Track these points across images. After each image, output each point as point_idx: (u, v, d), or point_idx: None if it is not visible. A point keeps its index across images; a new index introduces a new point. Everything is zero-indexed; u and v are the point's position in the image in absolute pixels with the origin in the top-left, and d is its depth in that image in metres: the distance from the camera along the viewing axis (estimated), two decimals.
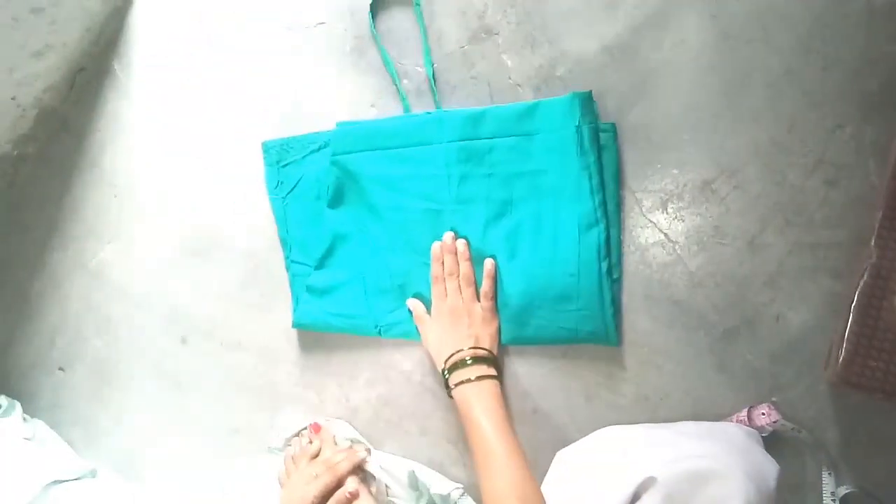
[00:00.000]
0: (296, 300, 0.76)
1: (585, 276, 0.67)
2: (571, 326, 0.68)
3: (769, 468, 0.57)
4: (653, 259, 0.70)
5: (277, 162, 0.76)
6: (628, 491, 0.53)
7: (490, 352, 0.67)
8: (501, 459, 0.58)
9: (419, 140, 0.71)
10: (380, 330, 0.74)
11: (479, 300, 0.70)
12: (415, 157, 0.71)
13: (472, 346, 0.66)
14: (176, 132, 0.81)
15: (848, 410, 0.66)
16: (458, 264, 0.70)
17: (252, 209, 0.78)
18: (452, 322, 0.68)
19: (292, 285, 0.76)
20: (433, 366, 0.73)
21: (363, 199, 0.73)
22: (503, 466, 0.58)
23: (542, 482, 0.66)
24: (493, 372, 0.65)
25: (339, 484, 0.67)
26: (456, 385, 0.64)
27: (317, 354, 0.76)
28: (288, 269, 0.76)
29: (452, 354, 0.66)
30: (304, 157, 0.75)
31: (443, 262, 0.70)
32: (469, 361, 0.64)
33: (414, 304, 0.72)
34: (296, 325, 0.76)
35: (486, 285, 0.69)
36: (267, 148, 0.77)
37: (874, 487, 0.65)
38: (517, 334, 0.70)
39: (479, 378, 0.64)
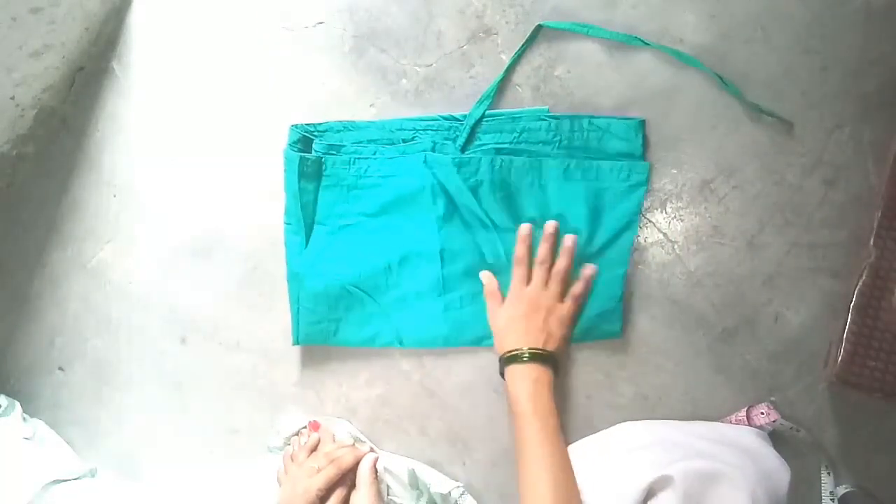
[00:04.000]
0: (297, 315, 0.75)
1: (611, 270, 0.69)
2: (584, 313, 0.68)
3: (781, 473, 0.57)
4: (651, 259, 0.70)
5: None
6: (642, 486, 0.53)
7: (553, 354, 0.63)
8: (547, 466, 0.57)
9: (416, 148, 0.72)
10: (401, 340, 0.73)
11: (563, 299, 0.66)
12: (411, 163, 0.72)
13: (540, 346, 0.63)
14: (175, 132, 0.81)
15: (847, 410, 0.66)
16: (550, 255, 0.67)
17: (252, 209, 0.78)
18: (529, 312, 0.64)
19: (292, 295, 0.75)
20: (433, 366, 0.74)
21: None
22: (548, 474, 0.56)
23: None
24: (549, 372, 0.63)
25: (341, 477, 0.67)
26: (509, 372, 0.63)
27: (317, 354, 0.76)
28: (288, 277, 0.75)
29: (515, 349, 0.63)
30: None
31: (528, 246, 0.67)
32: (526, 358, 0.62)
33: (488, 277, 0.69)
34: (300, 341, 0.75)
35: (579, 287, 0.66)
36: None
37: (873, 487, 0.65)
38: None
39: (536, 374, 0.61)
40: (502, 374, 0.65)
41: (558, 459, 0.58)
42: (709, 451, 0.57)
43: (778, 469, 0.58)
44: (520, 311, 0.65)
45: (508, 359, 0.63)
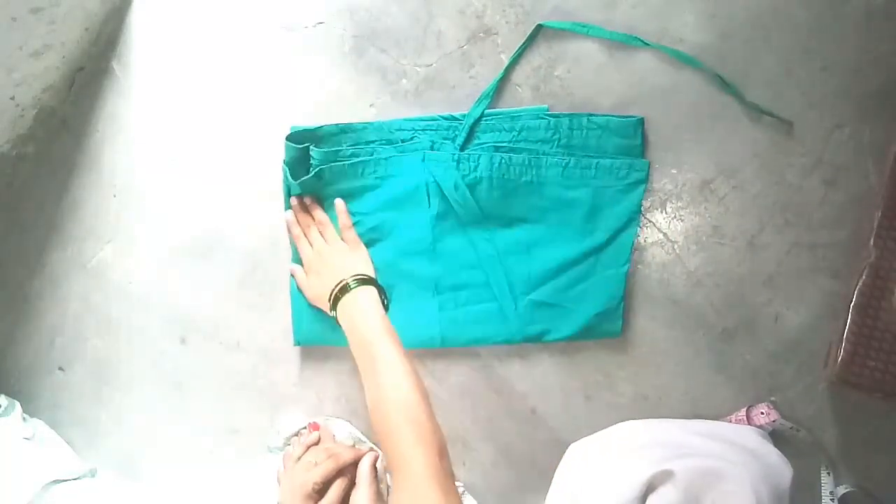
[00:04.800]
0: (298, 315, 0.75)
1: (612, 269, 0.69)
2: (585, 312, 0.69)
3: (783, 470, 0.58)
4: (652, 259, 0.70)
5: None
6: (642, 480, 0.53)
7: (367, 275, 0.68)
8: (382, 363, 0.59)
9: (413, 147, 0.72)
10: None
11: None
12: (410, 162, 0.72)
13: (352, 274, 0.67)
14: (175, 132, 0.81)
15: (846, 410, 0.66)
16: (311, 215, 0.73)
17: (252, 209, 0.78)
18: (325, 263, 0.70)
19: (293, 295, 0.75)
20: (433, 366, 0.74)
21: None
22: (384, 370, 0.59)
23: (541, 478, 0.66)
24: (370, 289, 0.67)
25: (340, 472, 0.66)
26: (340, 313, 0.66)
27: (317, 354, 0.77)
28: (291, 279, 0.75)
29: (334, 287, 0.67)
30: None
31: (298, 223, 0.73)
32: (352, 285, 0.66)
33: (294, 268, 0.74)
34: (300, 342, 0.75)
35: (341, 220, 0.72)
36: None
37: (873, 487, 0.66)
38: (527, 331, 0.70)
39: (359, 297, 0.66)
40: (336, 320, 0.67)
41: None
42: (710, 449, 0.57)
43: (779, 466, 0.58)
44: (320, 269, 0.71)
45: (336, 298, 0.66)
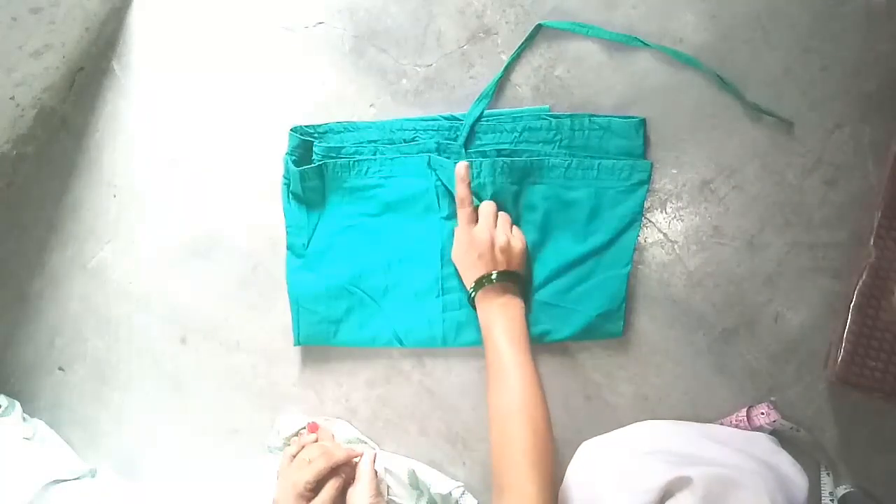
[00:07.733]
0: (297, 315, 0.75)
1: (614, 269, 0.69)
2: (586, 313, 0.69)
3: (799, 482, 0.58)
4: (651, 259, 0.70)
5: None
6: (660, 484, 0.53)
7: (518, 273, 0.67)
8: (513, 376, 0.59)
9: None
10: (401, 340, 0.73)
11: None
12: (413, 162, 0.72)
13: (502, 269, 0.65)
14: (175, 132, 0.81)
15: (847, 410, 0.66)
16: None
17: (252, 209, 0.78)
18: (485, 250, 0.66)
19: (292, 296, 0.75)
20: (433, 366, 0.74)
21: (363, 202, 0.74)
22: (514, 383, 0.59)
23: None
24: (518, 293, 0.66)
25: (334, 471, 0.66)
26: (480, 301, 0.66)
27: (317, 354, 0.77)
28: (288, 278, 0.76)
29: (482, 276, 0.66)
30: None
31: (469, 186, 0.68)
32: (495, 279, 0.65)
33: (463, 167, 0.67)
34: (301, 342, 0.75)
35: (461, 189, 0.68)
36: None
37: (873, 487, 0.65)
38: (529, 332, 0.70)
39: (505, 298, 0.65)
40: (472, 305, 0.68)
41: (543, 400, 0.60)
42: (726, 456, 0.57)
43: (795, 476, 0.58)
44: (477, 251, 0.66)
45: (478, 285, 0.66)
